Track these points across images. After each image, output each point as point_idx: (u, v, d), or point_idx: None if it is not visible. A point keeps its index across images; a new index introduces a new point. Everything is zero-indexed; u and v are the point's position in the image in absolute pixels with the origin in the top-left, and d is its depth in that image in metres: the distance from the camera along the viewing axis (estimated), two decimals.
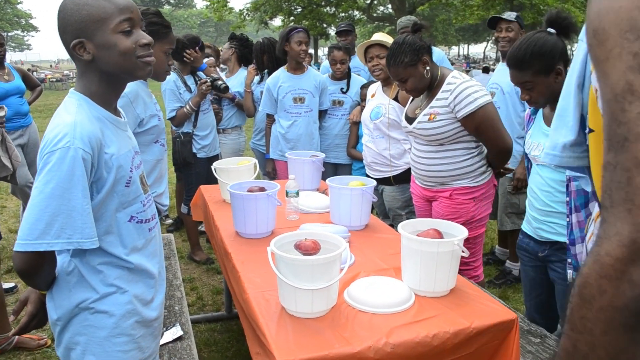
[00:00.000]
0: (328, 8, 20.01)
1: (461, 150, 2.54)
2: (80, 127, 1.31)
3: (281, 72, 4.01)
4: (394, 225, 3.36)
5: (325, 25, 20.70)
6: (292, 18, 19.63)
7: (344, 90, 4.10)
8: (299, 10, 19.65)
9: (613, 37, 0.59)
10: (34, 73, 30.54)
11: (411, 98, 2.77)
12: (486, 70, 13.39)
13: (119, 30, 1.36)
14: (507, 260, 4.00)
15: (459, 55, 60.28)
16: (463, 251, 1.81)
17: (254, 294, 1.83)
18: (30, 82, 4.79)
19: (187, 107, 3.80)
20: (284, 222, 2.60)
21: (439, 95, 2.52)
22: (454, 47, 56.82)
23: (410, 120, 2.68)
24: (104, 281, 1.43)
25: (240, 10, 19.72)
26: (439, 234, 1.87)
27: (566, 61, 2.05)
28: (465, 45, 61.90)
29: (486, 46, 61.86)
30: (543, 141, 2.17)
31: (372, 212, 2.66)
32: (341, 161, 4.15)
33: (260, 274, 1.98)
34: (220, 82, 3.94)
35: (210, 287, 3.84)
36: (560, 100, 1.02)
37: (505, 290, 3.77)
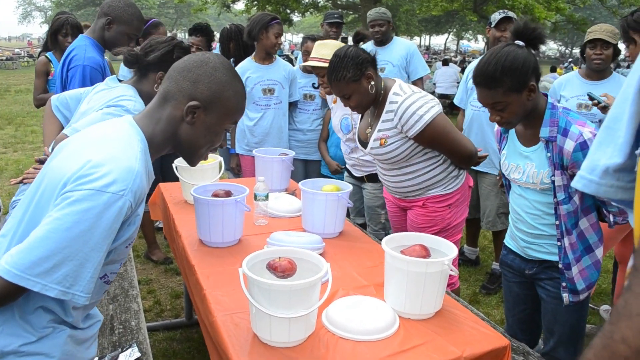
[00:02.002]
0: None
1: (425, 163, 2.38)
2: (139, 180, 1.19)
3: (249, 62, 3.78)
4: (366, 225, 3.22)
5: (288, 11, 20.32)
6: (255, 2, 19.17)
7: (316, 85, 3.91)
8: None
9: None
10: None
11: (360, 115, 2.59)
12: (446, 62, 13.38)
13: (226, 127, 1.40)
14: (494, 263, 3.92)
15: (420, 46, 60.70)
16: (452, 270, 1.67)
17: (222, 318, 1.64)
18: None
19: None
20: (251, 227, 2.41)
21: (384, 116, 2.33)
22: (416, 37, 57.15)
23: (362, 142, 2.51)
24: (38, 324, 1.23)
25: None
26: (426, 251, 1.71)
27: (538, 76, 1.88)
28: (427, 36, 62.35)
29: (447, 38, 62.47)
30: (522, 163, 2.00)
31: None
32: (312, 157, 3.97)
33: (227, 292, 1.79)
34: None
35: (169, 290, 3.60)
36: (613, 108, 0.77)
37: (477, 294, 3.69)
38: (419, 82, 4.26)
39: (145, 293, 3.54)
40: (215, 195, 2.24)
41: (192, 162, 1.44)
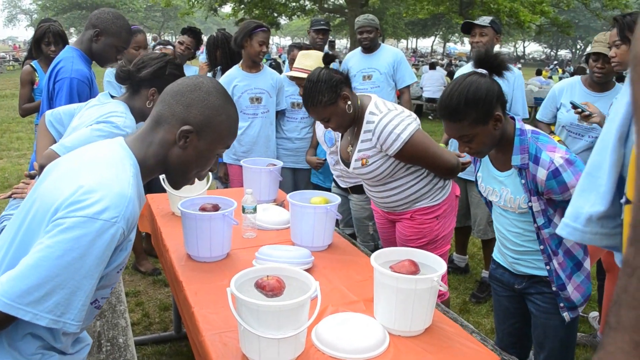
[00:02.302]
0: None
1: (409, 177, 2.37)
2: (131, 206, 1.17)
3: (236, 71, 3.75)
4: (355, 236, 3.21)
5: (276, 15, 20.30)
6: (242, 6, 19.11)
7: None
8: None
9: None
10: None
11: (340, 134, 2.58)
12: (433, 66, 13.43)
13: (218, 152, 1.39)
14: (484, 271, 3.92)
15: (407, 49, 60.94)
16: (441, 286, 1.66)
17: (210, 337, 1.62)
18: None
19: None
20: (240, 241, 2.39)
21: (362, 136, 2.32)
22: (402, 40, 57.37)
23: (345, 161, 2.51)
24: (27, 351, 1.20)
25: None
26: (415, 266, 1.71)
27: (503, 103, 1.85)
28: (414, 39, 62.64)
29: (434, 40, 62.79)
30: (497, 187, 1.99)
31: None
32: (300, 166, 3.96)
33: (216, 309, 1.77)
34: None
35: (157, 302, 3.57)
36: (594, 154, 0.78)
37: (466, 303, 3.69)
38: (406, 90, 4.26)
39: (133, 305, 3.50)
40: (203, 209, 2.22)
41: (178, 185, 1.42)
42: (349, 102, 2.26)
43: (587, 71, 3.21)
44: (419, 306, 1.63)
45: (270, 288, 1.50)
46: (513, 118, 1.90)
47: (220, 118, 1.34)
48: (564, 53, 67.64)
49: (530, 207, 1.86)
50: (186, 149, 1.32)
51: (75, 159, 1.26)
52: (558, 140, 3.02)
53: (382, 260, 1.77)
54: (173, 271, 2.14)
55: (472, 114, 1.77)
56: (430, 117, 12.53)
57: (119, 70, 2.09)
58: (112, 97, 2.20)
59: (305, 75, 2.78)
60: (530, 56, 69.53)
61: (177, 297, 2.10)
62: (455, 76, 3.86)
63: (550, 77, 17.07)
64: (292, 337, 1.44)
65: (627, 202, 0.66)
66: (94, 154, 1.26)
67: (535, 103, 12.33)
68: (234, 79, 3.70)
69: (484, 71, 1.84)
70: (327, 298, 1.88)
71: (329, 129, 2.37)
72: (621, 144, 0.73)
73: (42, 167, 1.88)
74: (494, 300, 2.25)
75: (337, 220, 2.39)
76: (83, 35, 2.65)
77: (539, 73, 15.81)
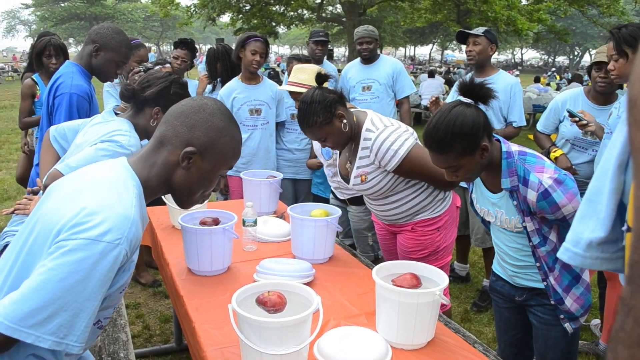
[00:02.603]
0: (277, 7, 19.70)
1: (409, 190, 2.37)
2: (135, 228, 1.17)
3: (235, 82, 3.77)
4: (355, 247, 3.21)
5: (274, 24, 20.39)
6: (240, 16, 19.19)
7: None
8: (247, 7, 19.24)
9: None
10: None
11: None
12: (431, 74, 13.46)
13: (221, 173, 1.40)
14: (485, 279, 3.91)
15: (405, 57, 61.16)
16: (443, 299, 1.66)
17: (211, 353, 1.62)
18: None
19: (123, 103, 3.55)
20: (240, 254, 2.39)
21: (360, 152, 2.33)
22: (401, 48, 57.58)
23: (344, 177, 2.51)
24: None
25: (187, 6, 19.17)
26: (417, 279, 1.71)
27: (490, 132, 1.83)
28: (412, 47, 62.86)
29: (432, 48, 63.04)
30: (492, 209, 1.99)
31: None
32: (301, 177, 3.96)
33: (217, 324, 1.76)
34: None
35: (158, 314, 3.56)
36: (594, 180, 0.79)
37: (467, 312, 3.69)
38: (405, 101, 4.28)
39: (133, 318, 3.50)
40: (203, 223, 2.22)
41: (184, 205, 1.42)
42: (345, 121, 2.26)
43: (585, 80, 3.21)
44: (421, 319, 1.63)
45: (272, 304, 1.50)
46: (499, 140, 1.89)
47: (223, 140, 1.34)
48: (561, 59, 67.91)
49: (525, 227, 1.86)
50: (189, 170, 1.32)
51: (78, 180, 1.26)
52: (559, 155, 3.02)
53: (383, 273, 1.77)
54: (174, 285, 2.13)
55: (459, 147, 1.76)
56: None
57: (124, 88, 2.09)
58: (116, 114, 2.20)
59: (301, 90, 2.78)
60: (528, 63, 69.74)
61: (178, 311, 2.09)
62: (452, 89, 3.88)
63: (549, 84, 17.11)
64: (294, 353, 1.44)
65: (629, 229, 0.67)
66: (96, 174, 1.26)
67: (534, 110, 12.35)
68: (233, 90, 3.71)
69: (469, 101, 1.82)
70: (328, 312, 1.88)
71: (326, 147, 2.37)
72: (621, 172, 0.74)
73: (46, 187, 1.89)
74: (494, 312, 2.25)
75: (337, 231, 2.39)
76: (83, 50, 2.66)
77: (537, 80, 15.85)
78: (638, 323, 0.42)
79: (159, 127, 1.36)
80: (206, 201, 2.71)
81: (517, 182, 1.81)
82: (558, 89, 16.13)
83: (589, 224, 0.78)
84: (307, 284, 2.03)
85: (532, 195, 1.77)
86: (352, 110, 2.40)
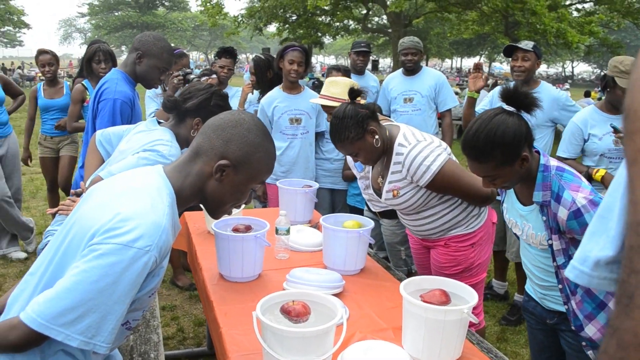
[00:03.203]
0: (323, 17, 19.87)
1: (443, 205, 2.34)
2: (165, 236, 1.20)
3: (277, 92, 3.81)
4: (389, 260, 3.18)
5: (320, 34, 20.57)
6: (286, 26, 19.45)
7: None
8: (294, 18, 19.48)
9: None
10: (24, 70, 30.18)
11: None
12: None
13: (253, 186, 1.42)
14: (517, 294, 3.82)
15: (451, 69, 60.52)
16: (472, 317, 1.62)
17: (235, 358, 1.63)
18: (11, 90, 4.58)
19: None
20: (272, 261, 2.40)
21: (392, 167, 2.31)
22: (447, 59, 57.00)
23: (376, 191, 2.49)
24: None
25: (234, 16, 19.55)
26: (446, 296, 1.68)
27: (531, 143, 1.78)
28: (459, 59, 62.17)
29: (479, 60, 62.14)
30: (520, 222, 1.94)
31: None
32: (338, 187, 3.96)
33: (244, 331, 1.78)
34: (192, 76, 3.71)
35: (192, 318, 3.61)
36: (607, 195, 0.73)
37: (504, 331, 3.59)
38: (447, 114, 4.22)
39: (169, 319, 3.56)
40: (236, 229, 2.25)
41: (215, 216, 1.46)
42: (377, 137, 2.24)
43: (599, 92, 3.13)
44: (448, 337, 1.60)
45: (296, 313, 1.50)
46: (538, 152, 1.84)
47: (257, 155, 1.36)
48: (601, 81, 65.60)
49: (551, 245, 1.80)
50: (222, 182, 1.35)
51: (115, 186, 1.31)
52: (604, 174, 2.92)
53: (412, 288, 1.74)
54: (205, 290, 2.17)
55: (499, 156, 1.72)
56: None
57: (166, 100, 2.16)
58: (159, 123, 2.27)
59: (332, 103, 2.76)
60: (580, 76, 67.87)
61: (208, 316, 2.12)
62: (490, 93, 3.81)
63: (600, 99, 16.62)
64: None
65: None
66: (132, 181, 1.30)
67: None
68: (274, 99, 3.76)
69: (511, 109, 1.78)
70: (355, 324, 1.86)
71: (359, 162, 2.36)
72: None
73: None
74: (528, 333, 2.18)
75: (370, 243, 2.37)
76: (127, 58, 2.75)
77: (587, 94, 15.40)
78: (621, 346, 0.40)
79: (196, 138, 1.39)
80: (241, 208, 2.75)
81: (549, 197, 1.75)
82: None
83: (598, 241, 0.73)
84: (336, 295, 2.03)
85: (563, 213, 1.72)
86: (385, 124, 2.39)
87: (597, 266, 0.72)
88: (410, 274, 2.92)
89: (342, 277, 2.15)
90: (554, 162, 1.82)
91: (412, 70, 4.23)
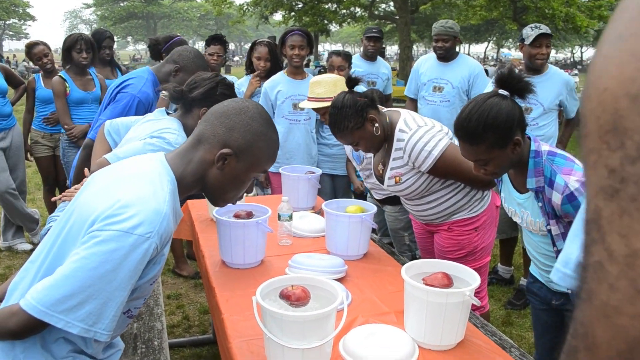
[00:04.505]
0: (329, 4, 19.75)
1: (446, 190, 2.31)
2: (166, 222, 1.19)
3: (280, 76, 3.78)
4: (393, 245, 3.16)
5: (326, 22, 20.46)
6: (292, 14, 19.36)
7: None
8: (300, 5, 19.38)
9: (592, 136, 0.38)
10: (29, 63, 30.23)
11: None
12: (486, 73, 13.12)
13: (256, 175, 1.41)
14: (522, 278, 3.80)
15: None
16: (474, 300, 1.61)
17: (237, 344, 1.63)
18: (14, 81, 4.53)
19: (163, 93, 3.58)
20: (275, 247, 2.39)
21: (394, 154, 2.28)
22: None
23: (379, 178, 2.47)
24: (58, 354, 1.25)
25: (240, 5, 19.50)
26: (448, 279, 1.66)
27: (524, 128, 1.75)
28: (467, 45, 61.68)
29: (487, 46, 61.65)
30: (518, 210, 1.92)
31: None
32: (338, 172, 3.92)
33: (246, 316, 1.77)
34: None
35: (198, 306, 3.62)
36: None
37: (510, 315, 3.58)
38: None
39: (174, 308, 3.57)
40: (237, 216, 2.24)
41: (217, 204, 1.45)
42: (376, 125, 2.22)
43: None
44: (450, 320, 1.58)
45: (296, 298, 1.49)
46: (530, 138, 1.82)
47: (260, 144, 1.35)
48: None
49: (549, 231, 1.78)
50: (223, 170, 1.33)
51: (115, 173, 1.30)
52: None
53: (414, 271, 1.73)
54: (207, 277, 2.16)
55: (490, 139, 1.70)
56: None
57: (173, 90, 2.15)
58: (168, 113, 2.27)
59: (320, 105, 2.72)
60: (589, 62, 67.09)
61: (210, 303, 2.12)
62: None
63: None
64: (316, 348, 1.42)
65: None
66: (133, 168, 1.29)
67: None
68: (277, 84, 3.72)
69: (505, 93, 1.75)
70: (357, 308, 1.85)
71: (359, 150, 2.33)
72: None
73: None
74: (532, 314, 2.17)
75: (375, 229, 2.35)
76: (162, 66, 2.73)
77: None
78: (573, 335, 0.39)
79: (199, 125, 1.38)
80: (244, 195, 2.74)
81: (543, 183, 1.73)
82: None
83: (580, 242, 0.72)
84: (339, 280, 2.02)
85: (557, 198, 1.69)
86: (385, 110, 2.36)
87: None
88: (414, 259, 2.90)
89: (344, 262, 2.14)
90: (545, 147, 1.79)
91: (444, 57, 4.01)
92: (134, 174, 1.25)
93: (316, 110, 2.82)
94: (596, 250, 0.36)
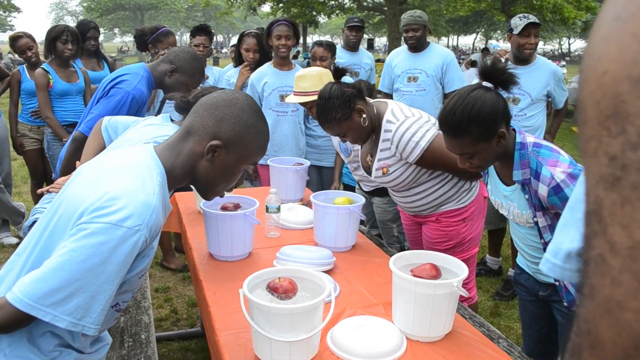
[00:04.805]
0: None
1: (433, 182, 2.30)
2: (155, 215, 1.17)
3: (267, 68, 3.74)
4: (382, 237, 3.16)
5: (314, 13, 20.36)
6: (280, 5, 19.24)
7: None
8: None
9: (591, 122, 0.36)
10: (15, 55, 29.84)
11: None
12: (474, 64, 13.13)
13: (246, 167, 1.39)
14: (510, 269, 3.82)
15: (448, 47, 60.13)
16: (462, 291, 1.60)
17: (224, 337, 1.61)
18: None
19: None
20: (263, 240, 2.38)
21: (381, 145, 2.27)
22: (443, 37, 56.60)
23: (366, 169, 2.46)
24: (45, 348, 1.23)
25: None
26: (436, 270, 1.66)
27: (508, 120, 1.74)
28: (455, 37, 61.74)
29: (475, 38, 61.75)
30: (504, 202, 1.91)
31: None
32: (324, 164, 3.90)
33: (233, 309, 1.76)
34: None
35: (186, 299, 3.60)
36: (577, 186, 0.69)
37: (498, 306, 3.60)
38: None
39: (162, 301, 3.55)
40: (225, 208, 2.22)
41: (207, 197, 1.43)
42: (364, 115, 2.21)
43: None
44: (438, 311, 1.58)
45: (283, 290, 1.49)
46: (515, 130, 1.81)
47: (250, 136, 1.34)
48: None
49: (536, 223, 1.78)
50: (213, 162, 1.32)
51: (103, 165, 1.27)
52: None
53: (402, 263, 1.73)
54: (195, 269, 2.15)
55: (475, 132, 1.69)
56: None
57: (179, 100, 2.14)
58: (172, 120, 2.24)
59: (306, 99, 2.69)
60: (577, 53, 67.53)
61: (198, 295, 2.11)
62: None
63: None
64: (304, 340, 1.42)
65: None
66: (122, 159, 1.27)
67: None
68: (264, 75, 3.69)
69: (489, 85, 1.74)
70: (345, 300, 1.85)
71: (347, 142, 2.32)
72: None
73: None
74: (519, 305, 2.17)
75: (363, 220, 2.34)
76: (158, 65, 2.70)
77: None
78: (576, 333, 0.37)
79: (188, 117, 1.36)
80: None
81: (529, 175, 1.72)
82: None
83: (569, 233, 0.72)
84: (327, 271, 2.01)
85: (543, 190, 1.68)
86: (372, 101, 2.34)
87: (568, 258, 0.71)
88: (402, 250, 2.90)
89: (332, 254, 2.13)
90: (530, 139, 1.78)
91: (416, 47, 4.01)
92: (122, 166, 1.23)
93: (303, 104, 2.79)
94: (597, 243, 0.34)
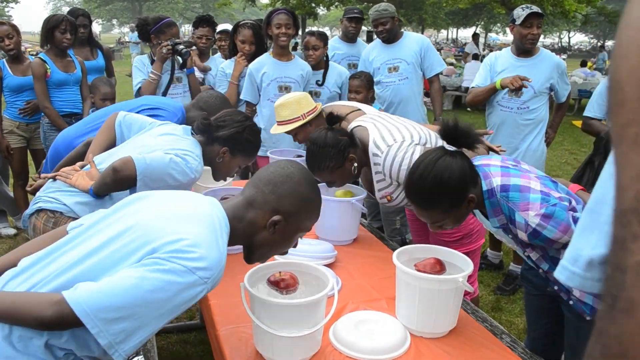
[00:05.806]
0: None
1: None
2: (221, 275, 1.24)
3: (266, 58, 3.68)
4: (383, 230, 3.13)
5: (313, 5, 20.23)
6: None
7: (320, 82, 3.80)
8: None
9: (631, 104, 0.30)
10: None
11: None
12: (476, 57, 13.09)
13: (300, 234, 1.46)
14: (512, 264, 3.79)
15: (447, 39, 59.95)
16: (467, 287, 1.58)
17: (225, 332, 1.59)
18: None
19: (150, 75, 3.50)
20: None
21: (375, 177, 2.24)
22: (443, 30, 56.37)
23: (370, 192, 2.41)
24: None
25: None
26: (440, 265, 1.63)
27: (476, 181, 1.67)
28: (454, 29, 61.55)
29: (475, 31, 61.53)
30: (495, 232, 1.85)
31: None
32: None
33: (234, 304, 1.73)
34: (181, 47, 3.57)
35: None
36: (596, 187, 0.63)
37: (499, 300, 3.58)
38: (435, 79, 4.08)
39: None
40: (224, 199, 2.19)
41: (253, 261, 1.46)
42: (355, 164, 2.18)
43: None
44: (443, 307, 1.55)
45: (285, 285, 1.46)
46: (479, 175, 1.72)
47: (307, 208, 1.42)
48: (611, 44, 65.24)
49: (529, 257, 1.74)
50: (274, 234, 1.38)
51: (176, 203, 1.31)
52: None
53: (406, 257, 1.70)
54: None
55: (445, 203, 1.64)
56: (468, 109, 12.27)
57: (200, 122, 2.13)
58: (192, 134, 2.22)
59: (289, 127, 2.64)
60: (577, 47, 67.34)
61: None
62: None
63: (597, 69, 16.47)
64: (306, 336, 1.39)
65: None
66: (199, 208, 1.30)
67: (580, 95, 11.90)
68: (263, 65, 3.64)
69: (453, 149, 1.68)
70: (348, 294, 1.82)
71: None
72: None
73: (115, 169, 1.91)
74: (525, 300, 2.14)
75: (364, 213, 2.31)
76: (189, 110, 2.71)
77: (584, 64, 15.26)
78: (604, 354, 0.33)
79: (248, 188, 1.42)
80: (231, 179, 2.69)
81: (505, 221, 1.66)
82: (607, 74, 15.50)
83: (590, 238, 0.65)
84: (328, 265, 1.99)
85: (522, 235, 1.63)
86: (353, 125, 2.30)
87: (590, 266, 0.65)
88: (404, 243, 2.87)
89: (334, 247, 2.10)
90: (496, 182, 1.67)
91: (389, 39, 3.98)
92: (200, 216, 1.26)
93: (288, 132, 2.73)
94: (639, 248, 0.30)
